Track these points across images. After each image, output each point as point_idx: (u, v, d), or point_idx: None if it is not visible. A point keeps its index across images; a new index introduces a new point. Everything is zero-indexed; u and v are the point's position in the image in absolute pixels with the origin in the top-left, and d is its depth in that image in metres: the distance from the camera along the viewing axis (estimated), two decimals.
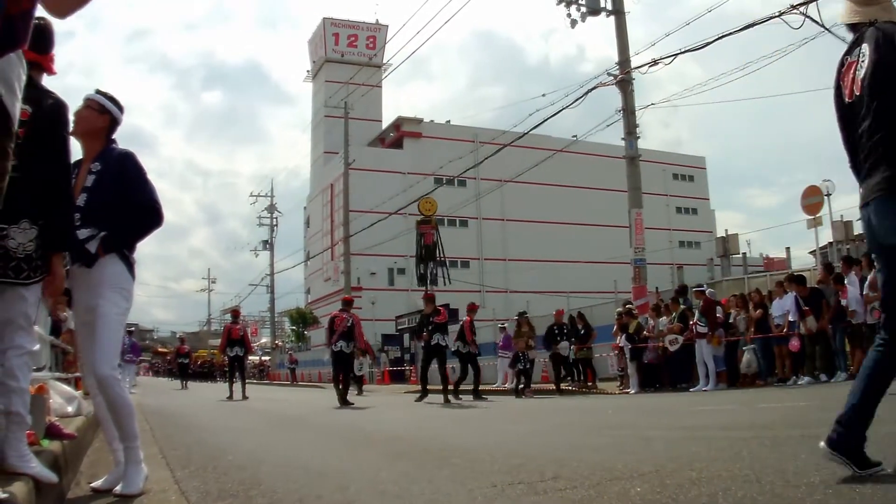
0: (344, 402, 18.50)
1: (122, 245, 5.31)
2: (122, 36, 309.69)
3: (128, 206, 5.35)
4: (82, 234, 5.14)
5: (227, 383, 26.03)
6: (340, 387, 19.31)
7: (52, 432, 6.08)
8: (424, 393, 20.22)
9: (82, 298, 5.22)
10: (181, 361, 44.77)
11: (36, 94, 4.38)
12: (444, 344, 19.90)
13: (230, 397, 23.76)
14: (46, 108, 4.38)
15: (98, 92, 5.57)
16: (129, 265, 5.32)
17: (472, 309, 21.63)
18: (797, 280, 17.87)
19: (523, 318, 23.53)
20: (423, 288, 32.59)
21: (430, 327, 19.78)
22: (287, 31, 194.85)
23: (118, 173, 5.36)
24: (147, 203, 5.46)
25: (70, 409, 8.26)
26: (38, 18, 4.69)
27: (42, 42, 4.54)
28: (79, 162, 5.37)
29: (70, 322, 12.20)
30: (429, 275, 34.47)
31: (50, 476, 4.25)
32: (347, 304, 21.68)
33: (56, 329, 11.13)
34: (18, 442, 4.17)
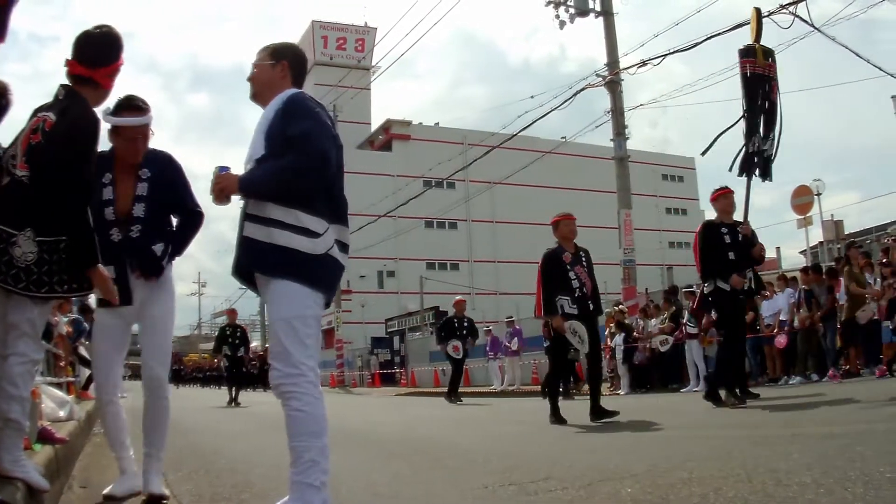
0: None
1: (180, 253, 5.39)
2: None
3: (179, 210, 5.38)
4: (157, 248, 5.16)
5: (225, 388, 24.75)
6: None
7: (45, 436, 6.08)
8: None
9: (140, 306, 5.20)
10: (174, 368, 44.78)
11: (67, 103, 4.34)
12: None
13: (233, 402, 22.38)
14: (70, 119, 4.27)
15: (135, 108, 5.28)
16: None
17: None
18: (804, 271, 18.06)
19: None
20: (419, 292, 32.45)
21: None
22: (275, 33, 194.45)
23: (171, 179, 5.33)
24: (195, 207, 5.48)
25: (62, 413, 8.25)
26: (99, 27, 4.68)
27: (89, 54, 4.49)
28: (104, 166, 5.12)
29: (61, 327, 12.19)
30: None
31: (42, 483, 4.25)
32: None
33: (48, 334, 11.11)
34: (14, 447, 4.16)
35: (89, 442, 9.57)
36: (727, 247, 11.23)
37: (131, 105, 5.12)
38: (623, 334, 21.31)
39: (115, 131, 5.08)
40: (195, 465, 7.16)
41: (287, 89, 4.35)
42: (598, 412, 10.29)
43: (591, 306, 10.82)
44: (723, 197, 11.83)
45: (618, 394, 20.17)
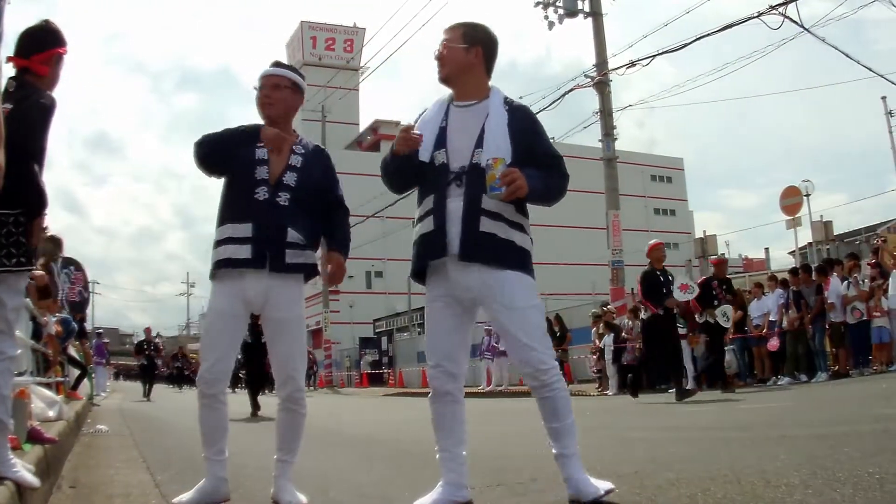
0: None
1: (348, 248, 5.18)
2: (96, 39, 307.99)
3: (325, 199, 5.13)
4: (290, 235, 4.82)
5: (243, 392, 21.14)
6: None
7: (34, 436, 6.07)
8: None
9: (274, 307, 4.87)
10: (177, 366, 44.27)
11: (24, 92, 4.36)
12: None
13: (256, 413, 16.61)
14: (29, 101, 4.31)
15: (279, 64, 5.20)
16: None
17: None
18: (793, 272, 18.10)
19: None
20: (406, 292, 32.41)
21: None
22: (263, 33, 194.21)
23: (323, 164, 5.16)
24: (342, 200, 5.28)
25: (51, 413, 8.24)
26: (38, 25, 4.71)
27: (23, 45, 4.54)
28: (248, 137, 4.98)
29: (50, 327, 12.15)
30: None
31: (32, 481, 4.24)
32: None
33: (37, 333, 11.08)
34: (1, 447, 4.16)
35: (78, 442, 9.56)
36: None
37: (271, 65, 5.14)
38: (612, 335, 21.32)
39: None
40: (183, 465, 7.14)
41: (482, 77, 4.49)
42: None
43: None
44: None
45: (606, 394, 20.21)
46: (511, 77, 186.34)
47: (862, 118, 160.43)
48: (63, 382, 15.26)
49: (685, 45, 22.13)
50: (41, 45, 4.56)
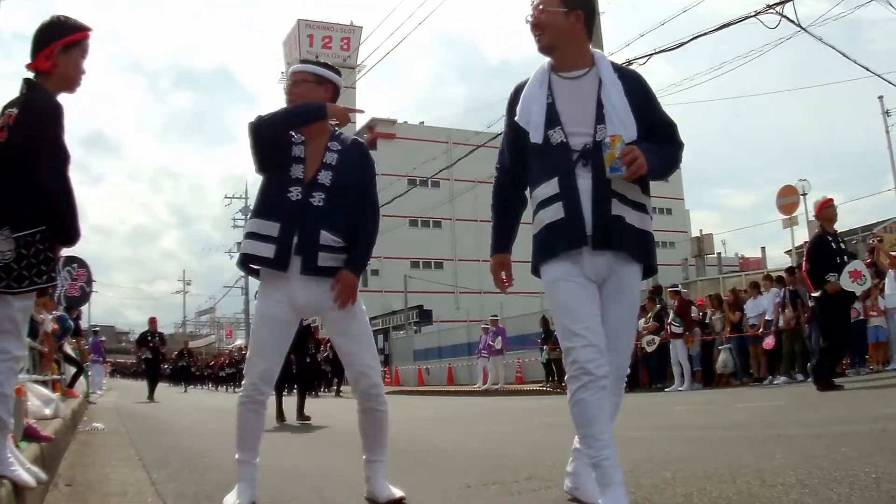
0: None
1: (369, 255, 4.98)
2: (93, 38, 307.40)
3: (360, 201, 4.89)
4: (324, 238, 4.64)
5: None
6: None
7: (30, 434, 6.06)
8: None
9: (327, 308, 4.73)
10: (182, 364, 43.53)
11: (27, 96, 4.36)
12: None
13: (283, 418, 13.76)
14: (33, 109, 4.30)
15: (306, 61, 5.12)
16: None
17: None
18: (789, 271, 18.09)
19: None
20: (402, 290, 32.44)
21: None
22: (260, 32, 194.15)
23: (359, 163, 4.94)
24: (375, 202, 5.07)
25: (47, 411, 8.23)
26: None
27: (32, 49, 4.52)
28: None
29: (46, 325, 12.15)
30: None
31: (28, 480, 4.24)
32: None
33: (34, 331, 11.07)
34: (0, 446, 4.16)
35: (75, 440, 9.55)
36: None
37: (300, 61, 5.08)
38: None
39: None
40: (179, 463, 7.16)
41: (585, 43, 4.06)
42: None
43: None
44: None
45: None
46: (505, 76, 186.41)
47: (859, 118, 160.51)
48: (59, 380, 15.26)
49: (682, 44, 22.09)
50: (43, 43, 4.54)
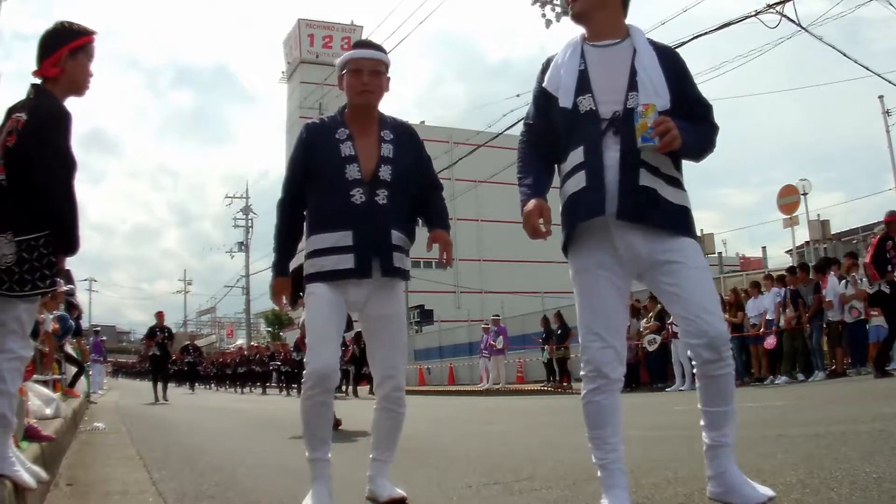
0: None
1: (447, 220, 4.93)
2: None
3: (421, 184, 4.87)
4: (395, 238, 4.59)
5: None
6: None
7: (31, 434, 6.07)
8: None
9: (375, 304, 4.67)
10: (189, 360, 42.79)
11: (36, 101, 4.38)
12: None
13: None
14: (42, 115, 4.29)
15: (371, 44, 4.88)
16: None
17: None
18: (790, 271, 18.09)
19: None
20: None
21: None
22: (260, 31, 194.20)
23: (415, 147, 4.89)
24: (438, 182, 5.07)
25: (48, 410, 8.23)
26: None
27: (37, 56, 4.52)
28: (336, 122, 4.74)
29: (48, 324, 12.13)
30: None
31: (29, 481, 4.25)
32: None
33: (34, 331, 11.05)
34: (2, 445, 4.17)
35: (76, 439, 9.56)
36: None
37: (361, 44, 4.82)
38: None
39: (344, 71, 4.70)
40: (180, 463, 7.16)
41: (619, 14, 3.92)
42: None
43: None
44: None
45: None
46: (504, 76, 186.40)
47: (859, 117, 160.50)
48: (60, 380, 15.26)
49: (682, 43, 22.03)
50: (50, 49, 4.54)
